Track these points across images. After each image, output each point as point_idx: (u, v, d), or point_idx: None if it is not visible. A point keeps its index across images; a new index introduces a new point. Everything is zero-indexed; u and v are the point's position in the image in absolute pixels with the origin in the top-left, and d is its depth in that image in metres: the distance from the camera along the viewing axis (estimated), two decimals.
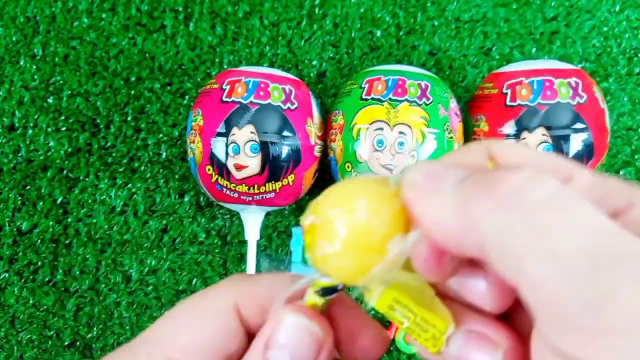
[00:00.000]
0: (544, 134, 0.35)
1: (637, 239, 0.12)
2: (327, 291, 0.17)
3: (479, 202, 0.13)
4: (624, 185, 0.15)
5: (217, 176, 0.37)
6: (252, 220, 0.40)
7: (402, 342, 0.40)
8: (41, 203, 0.44)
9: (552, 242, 0.12)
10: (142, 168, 0.45)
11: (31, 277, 0.44)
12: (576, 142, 0.35)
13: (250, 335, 0.18)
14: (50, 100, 0.46)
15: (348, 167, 0.37)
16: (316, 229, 0.15)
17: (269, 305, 0.17)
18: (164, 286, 0.43)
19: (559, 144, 0.35)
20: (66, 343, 0.43)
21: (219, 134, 0.36)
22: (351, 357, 0.18)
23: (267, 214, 0.43)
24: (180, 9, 0.47)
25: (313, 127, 0.38)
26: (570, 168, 0.15)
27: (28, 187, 0.45)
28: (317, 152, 0.39)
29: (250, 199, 0.37)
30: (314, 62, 0.46)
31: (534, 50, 0.46)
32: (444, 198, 0.14)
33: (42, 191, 0.45)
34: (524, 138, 0.36)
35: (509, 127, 0.36)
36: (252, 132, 0.36)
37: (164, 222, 0.44)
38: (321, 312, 0.17)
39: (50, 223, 0.44)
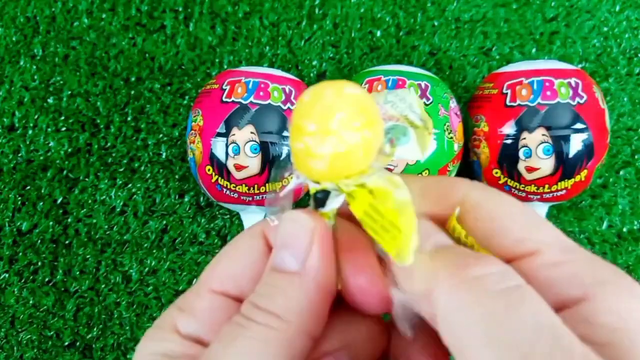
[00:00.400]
0: (544, 134, 0.35)
1: (573, 338, 0.13)
2: (320, 199, 0.17)
3: (444, 278, 0.14)
4: (589, 270, 0.15)
5: (217, 176, 0.37)
6: (252, 221, 0.40)
7: None
8: (41, 203, 0.44)
9: (496, 333, 0.13)
10: (142, 168, 0.45)
11: (31, 277, 0.44)
12: (576, 142, 0.35)
13: None
14: (50, 101, 0.46)
15: None
16: (314, 134, 0.15)
17: None
18: (164, 286, 0.43)
19: (559, 144, 0.35)
20: (66, 343, 0.43)
21: (219, 134, 0.36)
22: (351, 298, 0.18)
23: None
24: (180, 9, 0.47)
25: None
26: (540, 239, 0.16)
27: (28, 187, 0.45)
28: None
29: (251, 199, 0.37)
30: (314, 62, 0.46)
31: (534, 50, 0.46)
32: (420, 254, 0.15)
33: (42, 191, 0.45)
34: (524, 138, 0.36)
35: (509, 127, 0.36)
36: (252, 133, 0.36)
37: (164, 222, 0.44)
38: (332, 230, 0.17)
39: (50, 223, 0.44)
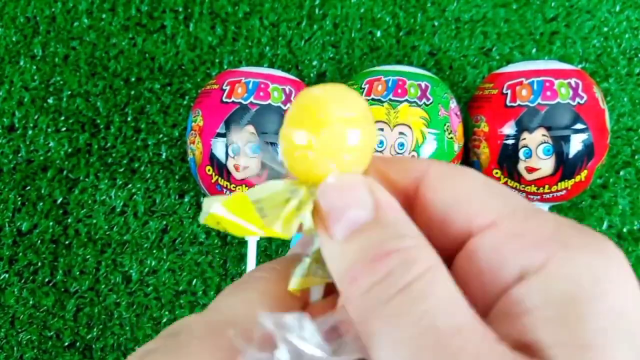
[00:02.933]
0: (544, 135, 0.35)
1: (484, 338, 0.12)
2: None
3: (361, 276, 0.13)
4: (548, 235, 0.14)
5: (217, 177, 0.37)
6: None
7: None
8: (41, 203, 0.44)
9: (399, 332, 0.12)
10: (142, 168, 0.45)
11: (31, 277, 0.44)
12: (576, 143, 0.35)
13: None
14: (50, 101, 0.46)
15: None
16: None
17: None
18: (164, 287, 0.43)
19: (559, 145, 0.35)
20: (66, 344, 0.43)
21: (219, 135, 0.36)
22: None
23: None
24: (180, 9, 0.47)
25: None
26: (501, 210, 0.14)
27: (28, 187, 0.45)
28: None
29: None
30: (314, 63, 0.46)
31: (534, 50, 0.46)
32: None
33: (42, 192, 0.45)
34: (524, 138, 0.36)
35: (509, 128, 0.36)
36: (252, 133, 0.36)
37: (164, 222, 0.44)
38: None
39: (50, 223, 0.44)
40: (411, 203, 0.16)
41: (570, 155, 0.35)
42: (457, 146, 0.38)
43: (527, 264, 0.13)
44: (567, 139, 0.35)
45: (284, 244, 0.44)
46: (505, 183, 0.38)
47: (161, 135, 0.45)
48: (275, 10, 0.47)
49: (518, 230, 0.14)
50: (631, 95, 0.45)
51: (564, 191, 0.37)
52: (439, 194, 0.15)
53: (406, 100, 0.36)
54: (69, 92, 0.46)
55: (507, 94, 0.37)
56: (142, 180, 0.45)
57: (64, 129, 0.46)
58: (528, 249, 0.14)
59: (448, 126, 0.37)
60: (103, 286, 0.43)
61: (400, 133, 0.36)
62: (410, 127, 0.36)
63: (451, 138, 0.37)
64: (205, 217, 0.15)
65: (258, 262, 0.42)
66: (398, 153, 0.36)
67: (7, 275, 0.44)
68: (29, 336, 0.43)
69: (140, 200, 0.44)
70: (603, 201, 0.43)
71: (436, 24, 0.47)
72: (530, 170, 0.36)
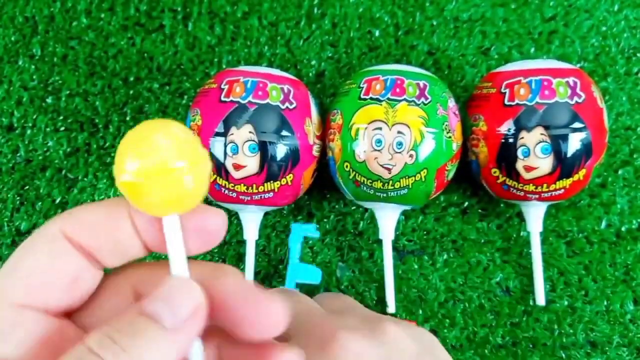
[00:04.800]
0: (542, 134, 0.35)
1: None
2: None
3: None
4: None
5: (215, 176, 0.37)
6: (251, 220, 0.40)
7: None
8: (40, 203, 0.44)
9: None
10: None
11: None
12: (574, 142, 0.35)
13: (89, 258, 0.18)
14: (48, 100, 0.46)
15: (346, 166, 0.37)
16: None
17: (103, 230, 0.18)
18: None
19: (557, 144, 0.35)
20: None
21: (217, 134, 0.36)
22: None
23: (266, 214, 0.43)
24: (179, 9, 0.47)
25: (311, 126, 0.38)
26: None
27: (27, 187, 0.45)
28: (315, 151, 0.39)
29: (249, 198, 0.37)
30: (313, 62, 0.46)
31: (532, 49, 0.46)
32: None
33: (41, 191, 0.45)
34: (523, 137, 0.36)
35: (507, 127, 0.36)
36: (250, 132, 0.36)
37: None
38: None
39: None
40: None
41: (569, 154, 0.35)
42: (456, 145, 0.38)
43: None
44: (565, 138, 0.35)
45: (283, 244, 0.44)
46: (504, 182, 0.38)
47: None
48: (274, 9, 0.47)
49: None
50: (629, 94, 0.45)
51: (562, 190, 0.37)
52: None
53: (404, 100, 0.36)
54: (68, 92, 0.46)
55: (505, 93, 0.37)
56: None
57: (62, 128, 0.46)
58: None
59: (446, 125, 0.37)
60: None
61: (399, 132, 0.36)
62: (408, 126, 0.36)
63: (449, 137, 0.37)
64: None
65: (257, 262, 0.42)
66: (396, 152, 0.36)
67: None
68: None
69: None
70: (602, 200, 0.43)
71: (435, 23, 0.47)
72: (529, 169, 0.36)
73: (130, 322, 0.16)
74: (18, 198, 0.45)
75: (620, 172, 0.44)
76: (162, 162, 0.16)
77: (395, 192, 0.37)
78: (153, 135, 0.16)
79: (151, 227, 0.18)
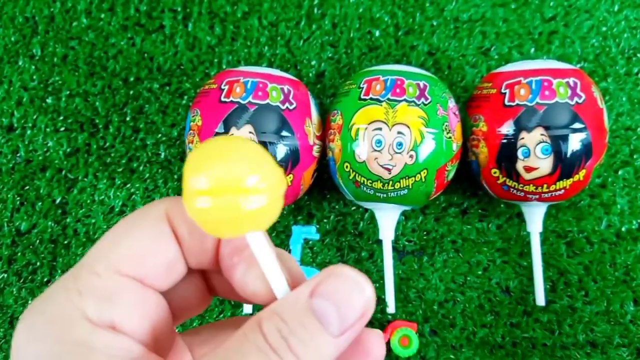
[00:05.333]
0: (542, 134, 0.35)
1: None
2: None
3: None
4: None
5: None
6: None
7: (397, 345, 0.40)
8: (40, 203, 0.44)
9: None
10: (141, 168, 0.45)
11: (30, 277, 0.44)
12: (575, 142, 0.35)
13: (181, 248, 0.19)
14: (49, 101, 0.46)
15: (346, 167, 0.37)
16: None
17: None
18: None
19: (557, 144, 0.35)
20: None
21: (218, 134, 0.36)
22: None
23: None
24: (179, 9, 0.47)
25: (312, 127, 0.38)
26: None
27: (27, 187, 0.45)
28: (315, 152, 0.39)
29: None
30: (313, 62, 0.46)
31: (532, 50, 0.46)
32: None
33: (41, 191, 0.45)
34: (523, 138, 0.36)
35: (508, 127, 0.36)
36: (250, 132, 0.36)
37: None
38: None
39: (49, 223, 0.44)
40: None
41: (569, 155, 0.35)
42: (456, 145, 0.38)
43: None
44: (565, 139, 0.35)
45: (283, 244, 0.44)
46: (504, 182, 0.38)
47: (160, 135, 0.45)
48: (274, 10, 0.47)
49: None
50: (630, 95, 0.45)
51: (563, 190, 0.37)
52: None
53: (405, 100, 0.36)
54: (68, 92, 0.46)
55: (505, 93, 0.37)
56: (141, 180, 0.45)
57: (62, 128, 0.46)
58: None
59: (446, 125, 0.37)
60: None
61: (399, 132, 0.36)
62: (408, 127, 0.36)
63: (449, 137, 0.37)
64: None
65: None
66: (397, 152, 0.36)
67: (5, 275, 0.44)
68: None
69: (139, 200, 0.44)
70: (602, 200, 0.43)
71: (435, 23, 0.47)
72: (529, 169, 0.36)
73: (299, 320, 0.16)
74: (18, 198, 0.45)
75: (620, 172, 0.44)
76: (237, 182, 0.15)
77: (395, 193, 0.37)
78: (226, 154, 0.16)
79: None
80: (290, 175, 0.37)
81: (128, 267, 0.17)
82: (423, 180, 0.36)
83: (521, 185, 0.37)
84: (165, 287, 0.19)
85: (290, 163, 0.37)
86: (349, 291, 0.17)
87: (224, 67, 0.46)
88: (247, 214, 0.16)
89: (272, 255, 0.17)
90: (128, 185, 0.45)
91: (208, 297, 0.21)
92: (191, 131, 0.38)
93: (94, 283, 0.17)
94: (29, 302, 0.43)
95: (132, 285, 0.17)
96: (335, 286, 0.17)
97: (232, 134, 0.16)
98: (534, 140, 0.36)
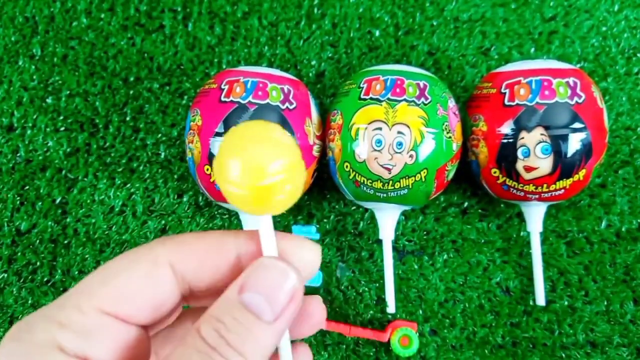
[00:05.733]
0: (542, 134, 0.35)
1: None
2: None
3: None
4: None
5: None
6: (251, 220, 0.40)
7: (398, 345, 0.40)
8: (40, 203, 0.44)
9: None
10: (141, 168, 0.45)
11: (30, 277, 0.44)
12: (574, 142, 0.35)
13: (191, 291, 0.19)
14: (49, 101, 0.46)
15: (346, 166, 0.37)
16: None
17: (211, 262, 0.19)
18: None
19: (557, 144, 0.35)
20: None
21: (218, 134, 0.36)
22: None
23: None
24: (179, 9, 0.47)
25: (312, 127, 0.38)
26: None
27: (27, 187, 0.45)
28: (315, 152, 0.39)
29: None
30: (313, 62, 0.46)
31: (532, 50, 0.46)
32: None
33: (41, 191, 0.45)
34: (523, 137, 0.36)
35: (507, 127, 0.36)
36: None
37: (163, 222, 0.44)
38: None
39: (49, 223, 0.44)
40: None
41: (569, 155, 0.35)
42: (456, 145, 0.38)
43: None
44: (565, 138, 0.35)
45: None
46: (504, 182, 0.38)
47: (160, 135, 0.45)
48: (274, 9, 0.47)
49: None
50: (629, 95, 0.45)
51: (562, 190, 0.37)
52: None
53: (404, 100, 0.36)
54: (68, 92, 0.46)
55: (505, 93, 0.37)
56: (141, 180, 0.45)
57: (62, 128, 0.46)
58: None
59: (446, 125, 0.37)
60: None
61: (399, 132, 0.36)
62: (408, 127, 0.36)
63: (449, 137, 0.37)
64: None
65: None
66: (397, 152, 0.36)
67: (5, 275, 0.44)
68: None
69: (139, 199, 0.44)
70: (602, 200, 0.43)
71: (435, 23, 0.47)
72: (529, 169, 0.36)
73: (233, 317, 0.17)
74: (18, 198, 0.45)
75: (620, 172, 0.44)
76: (263, 168, 0.17)
77: (395, 193, 0.37)
78: (256, 143, 0.17)
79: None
80: None
81: (112, 306, 0.18)
82: (423, 180, 0.36)
83: (521, 185, 0.37)
84: (150, 322, 0.19)
85: None
86: (274, 279, 0.18)
87: (224, 67, 0.46)
88: (273, 198, 0.17)
89: (273, 235, 0.19)
90: (128, 185, 0.45)
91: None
92: (191, 131, 0.38)
93: (75, 318, 0.17)
94: (29, 301, 0.43)
95: (113, 323, 0.18)
96: (261, 277, 0.18)
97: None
98: (533, 140, 0.36)
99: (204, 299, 0.20)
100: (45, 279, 0.44)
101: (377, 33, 0.46)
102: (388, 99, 0.36)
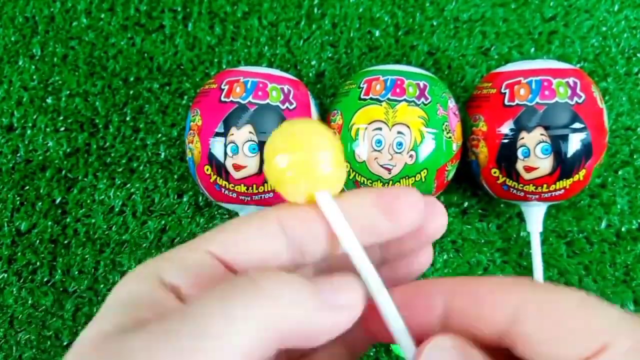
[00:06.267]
0: (542, 134, 0.35)
1: None
2: None
3: None
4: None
5: (215, 176, 0.37)
6: None
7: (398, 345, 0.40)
8: (40, 203, 0.44)
9: None
10: (141, 168, 0.45)
11: (30, 277, 0.44)
12: (574, 142, 0.35)
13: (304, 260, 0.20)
14: (49, 101, 0.46)
15: (346, 166, 0.37)
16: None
17: (317, 229, 0.19)
18: None
19: (557, 144, 0.35)
20: (65, 343, 0.43)
21: (218, 134, 0.36)
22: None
23: None
24: (179, 9, 0.47)
25: None
26: (607, 330, 0.16)
27: (27, 187, 0.45)
28: None
29: (249, 199, 0.37)
30: (313, 62, 0.46)
31: (532, 50, 0.46)
32: None
33: (41, 191, 0.45)
34: (523, 138, 0.36)
35: (508, 127, 0.36)
36: (250, 132, 0.36)
37: (163, 222, 0.44)
38: None
39: (49, 223, 0.44)
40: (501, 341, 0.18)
41: (569, 155, 0.35)
42: (456, 145, 0.38)
43: None
44: (565, 138, 0.35)
45: None
46: (504, 182, 0.38)
47: (160, 135, 0.45)
48: (274, 9, 0.47)
49: (634, 345, 0.15)
50: (630, 95, 0.45)
51: (563, 190, 0.37)
52: (538, 335, 0.16)
53: (404, 100, 0.36)
54: (68, 92, 0.46)
55: (505, 93, 0.37)
56: (141, 180, 0.45)
57: (62, 128, 0.46)
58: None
59: (446, 125, 0.37)
60: (102, 286, 0.43)
61: (399, 132, 0.36)
62: (408, 127, 0.36)
63: (449, 137, 0.37)
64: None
65: None
66: (396, 152, 0.36)
67: (5, 275, 0.44)
68: (27, 336, 0.43)
69: (139, 199, 0.44)
70: (602, 200, 0.43)
71: (435, 23, 0.47)
72: (529, 169, 0.36)
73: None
74: (18, 198, 0.45)
75: (620, 172, 0.44)
76: (307, 155, 0.19)
77: None
78: (300, 134, 0.20)
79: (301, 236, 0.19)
80: None
81: (221, 249, 0.18)
82: (423, 180, 0.36)
83: (521, 185, 0.37)
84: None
85: None
86: (353, 294, 0.18)
87: (224, 67, 0.46)
88: (319, 174, 0.19)
89: (340, 215, 0.19)
90: (128, 185, 0.45)
91: None
92: (191, 131, 0.38)
93: (182, 254, 0.18)
94: (29, 302, 0.43)
95: (217, 265, 0.18)
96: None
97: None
98: (533, 140, 0.36)
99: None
100: (45, 279, 0.44)
101: (377, 33, 0.46)
102: (388, 99, 0.36)
